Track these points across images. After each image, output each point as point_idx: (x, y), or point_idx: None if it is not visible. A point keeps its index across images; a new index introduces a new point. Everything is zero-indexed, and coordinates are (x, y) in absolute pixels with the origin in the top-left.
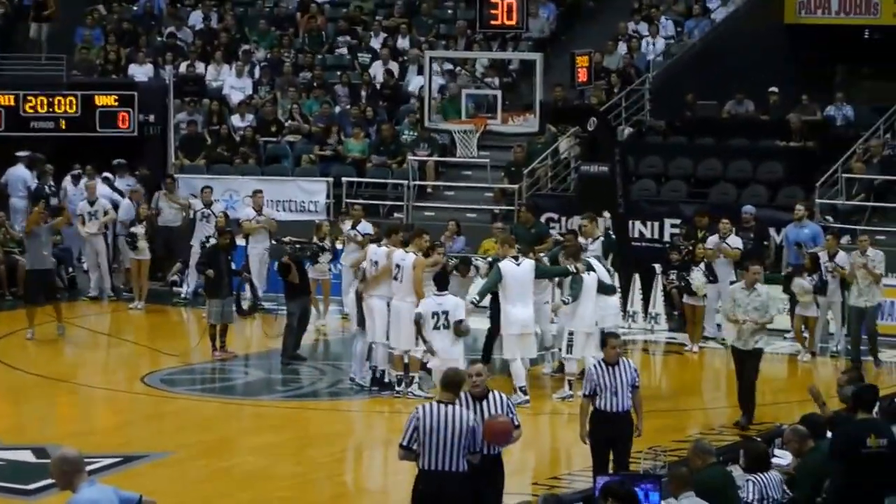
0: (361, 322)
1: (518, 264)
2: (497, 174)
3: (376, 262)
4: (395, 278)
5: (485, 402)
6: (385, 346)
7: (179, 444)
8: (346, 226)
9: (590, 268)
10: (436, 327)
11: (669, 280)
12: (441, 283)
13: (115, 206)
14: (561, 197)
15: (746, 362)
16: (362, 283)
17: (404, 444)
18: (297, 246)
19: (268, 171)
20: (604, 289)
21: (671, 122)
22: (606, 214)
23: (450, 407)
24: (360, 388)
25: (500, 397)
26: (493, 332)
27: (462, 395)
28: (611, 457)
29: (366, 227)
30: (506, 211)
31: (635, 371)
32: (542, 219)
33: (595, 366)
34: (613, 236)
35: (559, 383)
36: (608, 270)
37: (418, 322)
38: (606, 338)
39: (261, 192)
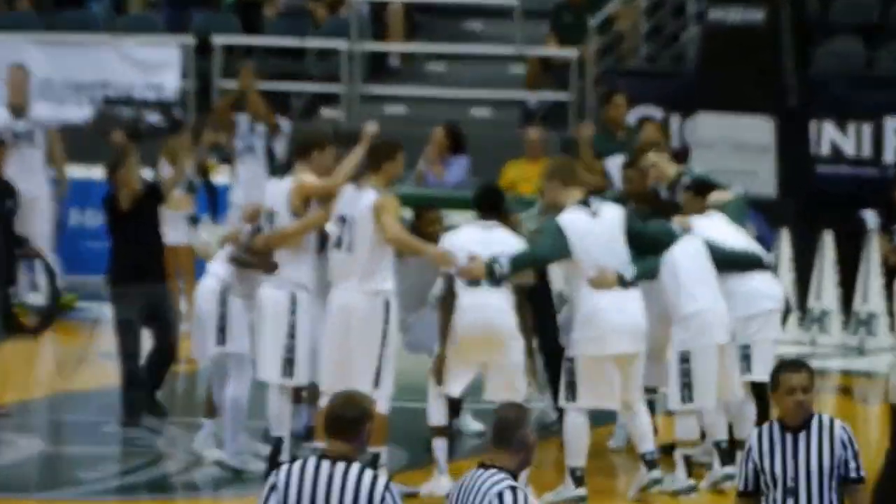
0: (223, 334)
1: (594, 214)
2: (533, 29)
3: (343, 219)
4: (338, 246)
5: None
6: (282, 387)
7: None
8: (243, 123)
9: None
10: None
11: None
12: (490, 204)
13: None
14: (667, 77)
15: None
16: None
17: None
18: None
19: (59, 25)
20: (734, 261)
21: None
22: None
23: (338, 466)
24: (237, 474)
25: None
26: (553, 357)
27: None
28: None
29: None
30: (549, 104)
31: (848, 443)
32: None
33: (761, 434)
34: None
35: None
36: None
37: (451, 277)
38: (780, 373)
39: (21, 68)
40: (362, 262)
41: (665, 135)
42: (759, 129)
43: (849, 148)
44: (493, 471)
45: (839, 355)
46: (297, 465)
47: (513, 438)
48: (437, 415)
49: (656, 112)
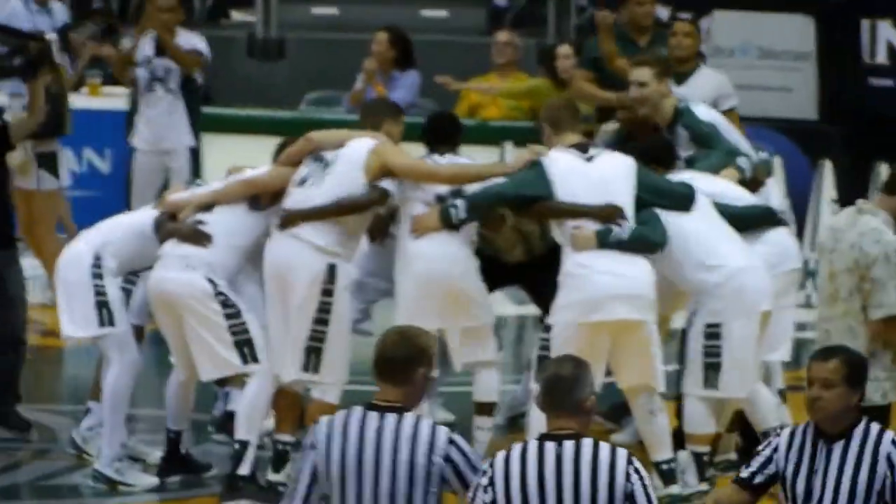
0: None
1: (588, 159)
2: None
3: (321, 159)
4: (300, 184)
5: None
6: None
7: None
8: (145, 46)
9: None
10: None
11: None
12: (443, 135)
13: None
14: None
15: None
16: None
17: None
18: None
19: None
20: (744, 219)
21: None
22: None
23: (388, 417)
24: (112, 485)
25: None
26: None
27: None
28: None
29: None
30: (522, 4)
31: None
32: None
33: (793, 434)
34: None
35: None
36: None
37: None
38: (815, 359)
39: None
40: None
41: (695, 39)
42: (794, 32)
43: None
44: (588, 441)
45: None
46: (338, 418)
47: (569, 401)
48: None
49: (660, 10)
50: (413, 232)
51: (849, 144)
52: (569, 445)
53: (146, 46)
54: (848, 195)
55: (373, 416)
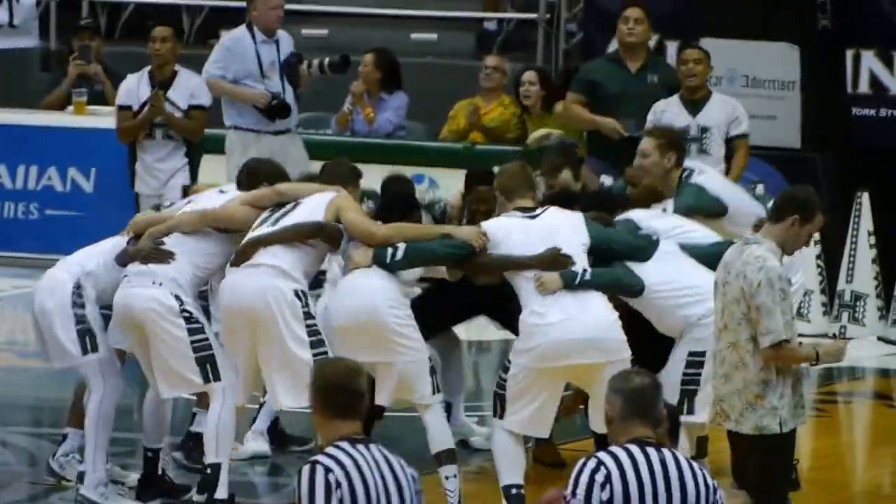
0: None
1: (532, 217)
2: None
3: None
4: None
5: None
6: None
7: None
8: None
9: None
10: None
11: None
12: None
13: None
14: None
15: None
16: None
17: None
18: None
19: None
20: (713, 255)
21: None
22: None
23: (374, 447)
24: None
25: None
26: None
27: None
28: None
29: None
30: (512, 27)
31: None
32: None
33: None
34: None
35: None
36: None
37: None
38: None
39: None
40: (285, 241)
41: (706, 65)
42: (779, 61)
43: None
44: (676, 452)
45: (877, 351)
46: (341, 455)
47: (651, 413)
48: None
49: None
50: (348, 270)
51: (832, 173)
52: (667, 452)
53: (142, 88)
54: (830, 224)
55: (362, 447)
